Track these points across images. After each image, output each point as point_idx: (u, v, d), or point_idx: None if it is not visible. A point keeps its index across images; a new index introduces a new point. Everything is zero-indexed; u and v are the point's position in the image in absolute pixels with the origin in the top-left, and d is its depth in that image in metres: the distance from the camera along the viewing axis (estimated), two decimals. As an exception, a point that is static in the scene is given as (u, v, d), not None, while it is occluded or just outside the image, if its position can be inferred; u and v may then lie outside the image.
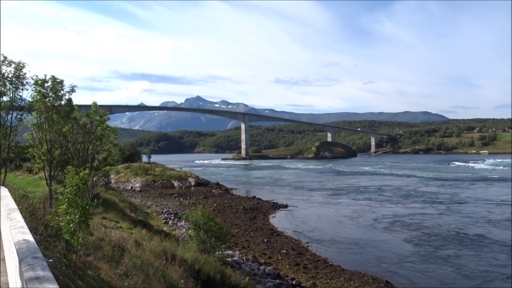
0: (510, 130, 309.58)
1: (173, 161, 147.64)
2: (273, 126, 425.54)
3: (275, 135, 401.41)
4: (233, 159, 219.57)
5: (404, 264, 26.24)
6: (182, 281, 12.67)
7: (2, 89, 16.44)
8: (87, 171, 9.34)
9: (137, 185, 68.59)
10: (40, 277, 4.37)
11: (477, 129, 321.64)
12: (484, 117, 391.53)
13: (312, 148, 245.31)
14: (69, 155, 20.05)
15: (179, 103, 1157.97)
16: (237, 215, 43.21)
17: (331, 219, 41.96)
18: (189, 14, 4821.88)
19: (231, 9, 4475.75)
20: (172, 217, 39.75)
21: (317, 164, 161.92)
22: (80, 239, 8.19)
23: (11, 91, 16.62)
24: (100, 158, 22.61)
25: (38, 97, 16.81)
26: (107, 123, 21.98)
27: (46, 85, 16.98)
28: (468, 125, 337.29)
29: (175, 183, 70.13)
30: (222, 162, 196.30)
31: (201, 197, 57.16)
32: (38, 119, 17.20)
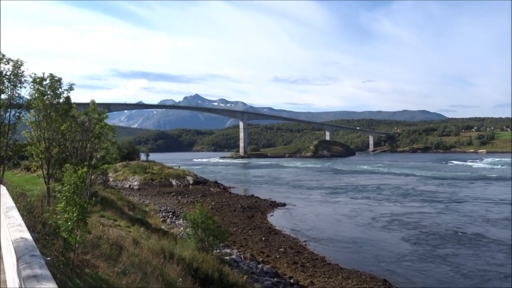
0: (508, 129, 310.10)
1: (171, 160, 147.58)
2: (272, 125, 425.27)
3: (273, 133, 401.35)
4: (232, 157, 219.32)
5: (402, 263, 26.29)
6: (180, 279, 12.67)
7: (1, 87, 16.40)
8: (85, 169, 9.33)
9: (135, 183, 68.57)
10: (38, 275, 4.37)
11: (475, 128, 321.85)
12: (482, 116, 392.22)
13: (311, 147, 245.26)
14: (67, 153, 20.04)
15: (177, 101, 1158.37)
16: (235, 213, 43.25)
17: (329, 217, 42.00)
18: (189, 13, 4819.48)
19: (231, 8, 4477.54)
20: (170, 216, 39.76)
21: (315, 162, 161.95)
22: (78, 237, 8.18)
23: (9, 89, 16.57)
24: (98, 156, 22.61)
25: (36, 95, 16.79)
26: (105, 121, 21.97)
27: (44, 83, 16.96)
28: (467, 124, 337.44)
29: (173, 182, 70.13)
30: (221, 160, 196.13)
31: (199, 195, 57.17)
32: (36, 117, 17.18)
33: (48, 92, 17.04)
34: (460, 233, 33.77)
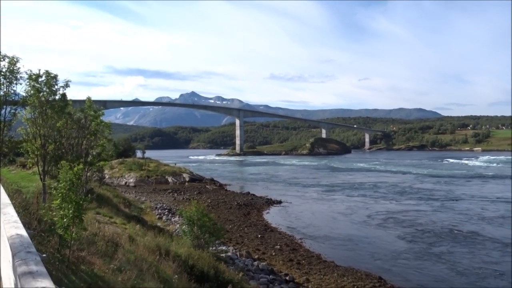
0: (504, 127, 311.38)
1: (167, 157, 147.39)
2: (268, 122, 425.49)
3: (269, 131, 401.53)
4: (228, 155, 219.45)
5: (397, 260, 26.38)
6: (176, 276, 12.68)
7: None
8: (81, 166, 9.34)
9: (131, 180, 68.51)
10: (34, 272, 4.37)
11: (471, 126, 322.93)
12: (478, 114, 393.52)
13: (307, 145, 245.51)
14: (63, 150, 20.02)
15: (173, 98, 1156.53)
16: (231, 211, 43.28)
17: (325, 215, 42.09)
18: (185, 9, 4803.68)
19: (227, 4, 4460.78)
20: (166, 213, 39.76)
21: (311, 160, 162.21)
22: (73, 234, 8.19)
23: (4, 85, 16.51)
24: (94, 153, 22.58)
25: (32, 91, 16.74)
26: (101, 118, 21.94)
27: (40, 79, 16.91)
28: (462, 122, 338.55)
29: (169, 179, 70.10)
30: (217, 158, 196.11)
31: (195, 192, 57.17)
32: (32, 114, 17.13)
33: (44, 89, 17.00)
34: (455, 231, 33.89)
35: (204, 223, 20.69)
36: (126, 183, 67.83)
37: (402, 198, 53.08)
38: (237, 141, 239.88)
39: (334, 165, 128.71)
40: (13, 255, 5.04)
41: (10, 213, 7.63)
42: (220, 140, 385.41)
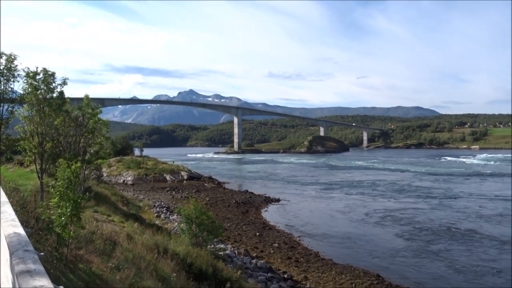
0: (501, 125, 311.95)
1: (165, 155, 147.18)
2: (266, 120, 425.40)
3: (267, 129, 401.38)
4: (226, 153, 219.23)
5: (395, 258, 26.42)
6: (174, 274, 12.66)
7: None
8: (78, 164, 9.30)
9: (129, 178, 68.42)
10: (31, 270, 4.35)
11: (468, 124, 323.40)
12: (475, 112, 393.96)
13: (305, 143, 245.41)
14: (61, 148, 19.95)
15: (172, 96, 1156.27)
16: (230, 209, 43.27)
17: (323, 213, 42.12)
18: (184, 8, 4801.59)
19: (225, 2, 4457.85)
20: (164, 211, 39.73)
21: (310, 158, 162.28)
22: (71, 232, 8.17)
23: (2, 83, 16.44)
24: (92, 151, 22.49)
25: (29, 89, 16.65)
26: (99, 116, 21.85)
27: (37, 77, 16.83)
28: (460, 120, 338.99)
29: (168, 177, 70.03)
30: (215, 156, 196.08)
31: (193, 191, 57.13)
32: (30, 111, 17.06)
33: (42, 86, 16.92)
34: (453, 229, 33.94)
35: (202, 221, 20.67)
36: (124, 181, 67.75)
37: (400, 196, 53.14)
38: (235, 139, 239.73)
39: (332, 163, 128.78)
40: (11, 254, 5.02)
41: (8, 211, 7.60)
42: (218, 138, 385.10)
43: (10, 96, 16.89)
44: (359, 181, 72.25)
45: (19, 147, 17.30)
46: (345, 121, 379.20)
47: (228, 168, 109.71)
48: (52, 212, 8.52)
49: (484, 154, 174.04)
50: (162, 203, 44.97)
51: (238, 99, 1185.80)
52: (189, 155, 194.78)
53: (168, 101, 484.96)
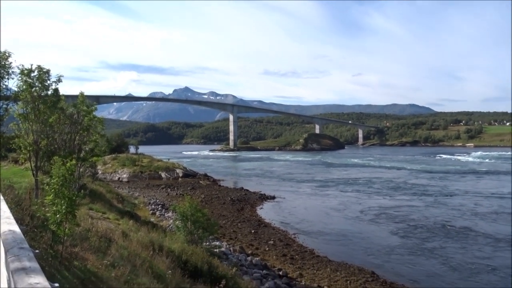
0: (496, 123, 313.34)
1: (160, 152, 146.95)
2: (262, 118, 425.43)
3: (263, 126, 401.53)
4: (221, 150, 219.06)
5: (390, 255, 26.53)
6: (169, 271, 12.68)
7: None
8: (73, 161, 9.29)
9: (124, 176, 68.34)
10: (27, 268, 4.36)
11: (463, 122, 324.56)
12: (470, 110, 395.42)
13: (300, 140, 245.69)
14: (56, 146, 19.89)
15: (167, 93, 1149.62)
16: (225, 206, 43.29)
17: (318, 210, 42.22)
18: (179, 4, 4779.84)
19: (221, 0, 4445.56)
20: (159, 208, 39.71)
21: (305, 156, 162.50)
22: (66, 229, 8.16)
23: (-4, 80, 16.39)
24: (87, 148, 22.45)
25: (24, 87, 16.59)
26: (94, 113, 21.80)
27: (32, 74, 16.77)
28: (455, 118, 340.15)
29: (163, 174, 70.00)
30: (210, 153, 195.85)
31: (188, 188, 57.12)
32: (24, 109, 16.99)
33: (36, 84, 16.85)
34: (448, 227, 34.10)
35: (197, 219, 20.68)
36: (119, 178, 67.65)
37: (396, 193, 53.32)
38: (231, 137, 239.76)
39: (328, 160, 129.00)
40: (6, 251, 5.03)
41: (3, 209, 7.60)
42: (214, 136, 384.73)
43: (5, 93, 16.83)
44: (355, 178, 72.41)
45: (13, 145, 17.24)
46: (341, 118, 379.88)
47: (223, 166, 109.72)
48: (47, 209, 8.50)
49: (479, 152, 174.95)
50: (157, 201, 44.96)
51: (234, 96, 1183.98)
52: (185, 152, 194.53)
53: (163, 99, 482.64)
